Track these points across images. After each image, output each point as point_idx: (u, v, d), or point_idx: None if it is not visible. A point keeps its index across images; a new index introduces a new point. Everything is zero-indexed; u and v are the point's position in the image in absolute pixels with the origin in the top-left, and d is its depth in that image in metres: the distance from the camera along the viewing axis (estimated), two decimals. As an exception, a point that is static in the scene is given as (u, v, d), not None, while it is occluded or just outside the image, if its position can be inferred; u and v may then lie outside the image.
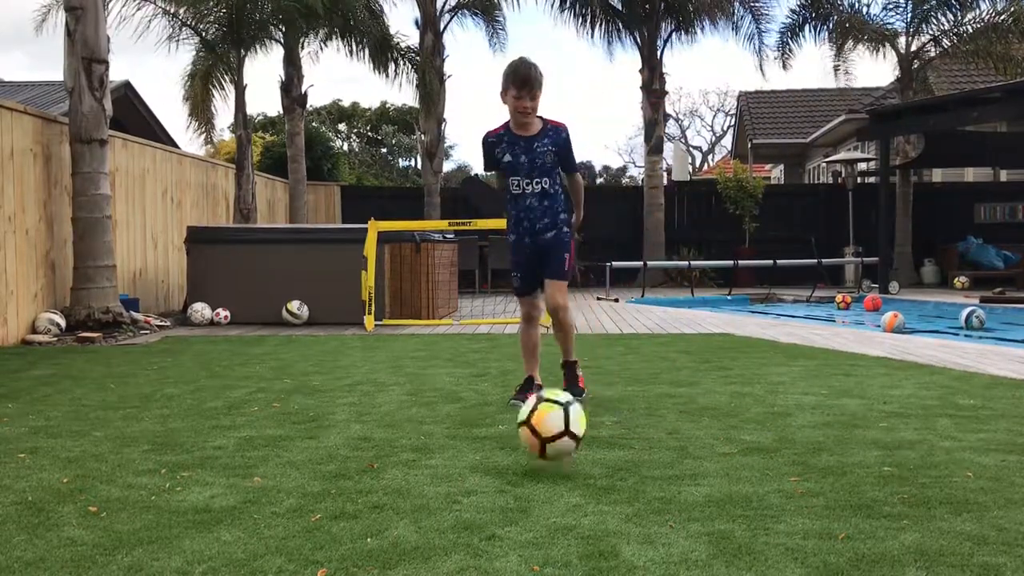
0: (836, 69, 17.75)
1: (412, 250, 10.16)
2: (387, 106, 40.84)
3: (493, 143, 4.77)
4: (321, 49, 16.64)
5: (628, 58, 70.19)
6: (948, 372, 5.87)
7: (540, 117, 4.74)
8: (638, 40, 18.25)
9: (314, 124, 29.05)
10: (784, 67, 18.35)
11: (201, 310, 9.88)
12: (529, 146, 4.67)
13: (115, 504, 3.03)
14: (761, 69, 18.46)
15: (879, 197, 15.74)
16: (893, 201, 16.72)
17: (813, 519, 2.81)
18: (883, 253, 15.44)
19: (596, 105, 74.49)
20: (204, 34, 14.21)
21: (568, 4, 18.34)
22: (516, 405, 4.11)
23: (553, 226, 4.75)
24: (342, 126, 41.58)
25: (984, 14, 16.52)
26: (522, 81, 4.58)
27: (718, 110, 52.93)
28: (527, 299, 4.89)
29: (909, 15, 16.88)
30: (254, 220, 13.79)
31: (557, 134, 4.69)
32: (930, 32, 17.00)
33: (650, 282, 16.08)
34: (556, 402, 3.46)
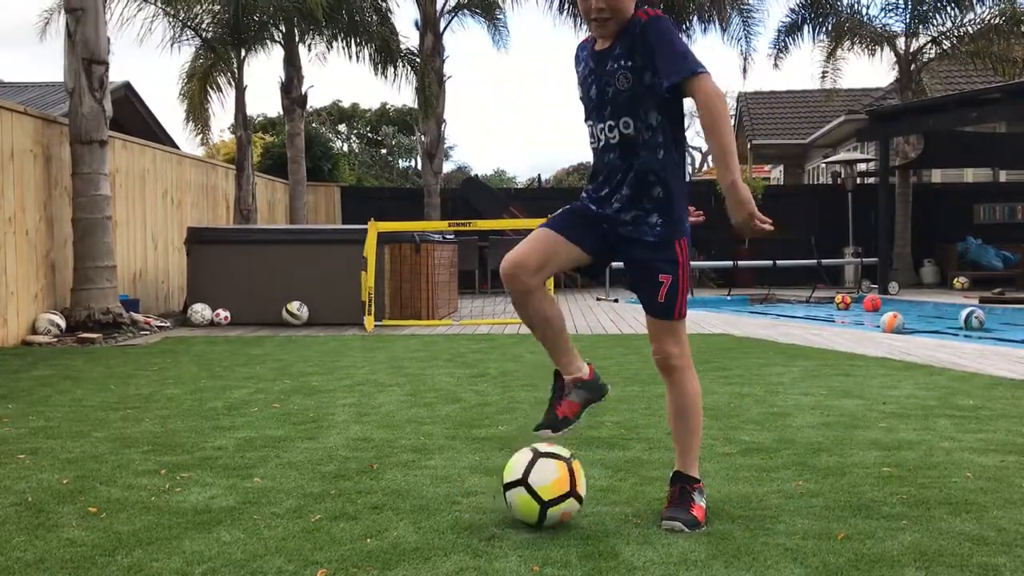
0: (824, 74, 17.78)
1: (412, 251, 10.17)
2: (387, 107, 40.83)
3: (576, 62, 2.99)
4: (328, 50, 16.64)
5: (628, 59, 70.06)
6: (947, 372, 5.87)
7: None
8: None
9: (314, 125, 29.05)
10: (776, 66, 18.40)
11: (201, 311, 9.88)
12: (601, 66, 2.79)
13: (115, 505, 3.04)
14: (744, 72, 18.54)
15: (879, 197, 15.75)
16: (892, 201, 16.72)
17: (812, 519, 2.81)
18: (882, 253, 15.44)
19: (596, 106, 74.45)
20: (205, 35, 14.22)
21: (566, 5, 18.32)
22: (546, 431, 2.94)
23: (636, 203, 2.81)
24: (342, 127, 41.56)
25: (984, 14, 16.54)
26: None
27: (718, 111, 52.84)
28: (530, 244, 2.84)
29: (908, 16, 16.89)
30: (254, 221, 13.79)
31: (631, 31, 2.70)
32: (929, 33, 17.01)
33: (650, 283, 16.05)
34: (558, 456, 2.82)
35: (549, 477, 2.72)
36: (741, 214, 2.63)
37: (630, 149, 2.77)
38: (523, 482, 2.72)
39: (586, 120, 2.91)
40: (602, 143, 2.84)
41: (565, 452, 2.86)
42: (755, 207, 2.61)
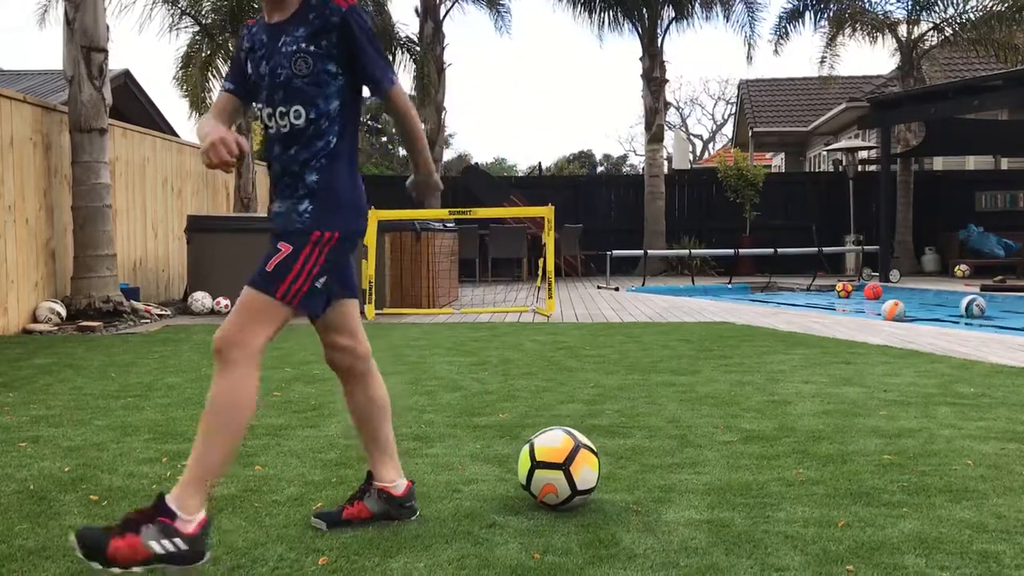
0: (823, 60, 17.75)
1: (412, 239, 10.16)
2: (387, 95, 40.71)
3: (240, 42, 2.67)
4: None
5: (629, 46, 69.95)
6: (948, 360, 5.87)
7: None
8: (638, 28, 18.19)
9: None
10: (776, 52, 18.38)
11: (202, 299, 9.88)
12: (274, 42, 2.52)
13: (116, 493, 3.04)
14: (749, 58, 18.53)
15: (880, 185, 15.72)
16: (894, 189, 16.69)
17: (813, 507, 2.82)
18: (884, 241, 15.43)
19: (597, 93, 74.36)
20: (204, 22, 14.18)
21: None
22: (318, 526, 2.66)
23: (292, 193, 2.52)
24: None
25: (986, 1, 16.46)
26: None
27: (719, 98, 52.92)
28: (319, 325, 2.73)
29: (910, 3, 16.83)
30: (254, 209, 13.78)
31: (323, 15, 2.47)
32: (931, 20, 16.95)
33: (651, 271, 16.08)
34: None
35: (550, 443, 2.87)
36: (436, 189, 2.93)
37: (298, 140, 2.49)
38: (531, 440, 2.92)
39: (255, 102, 2.61)
40: (271, 131, 2.54)
41: (587, 442, 2.91)
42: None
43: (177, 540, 2.19)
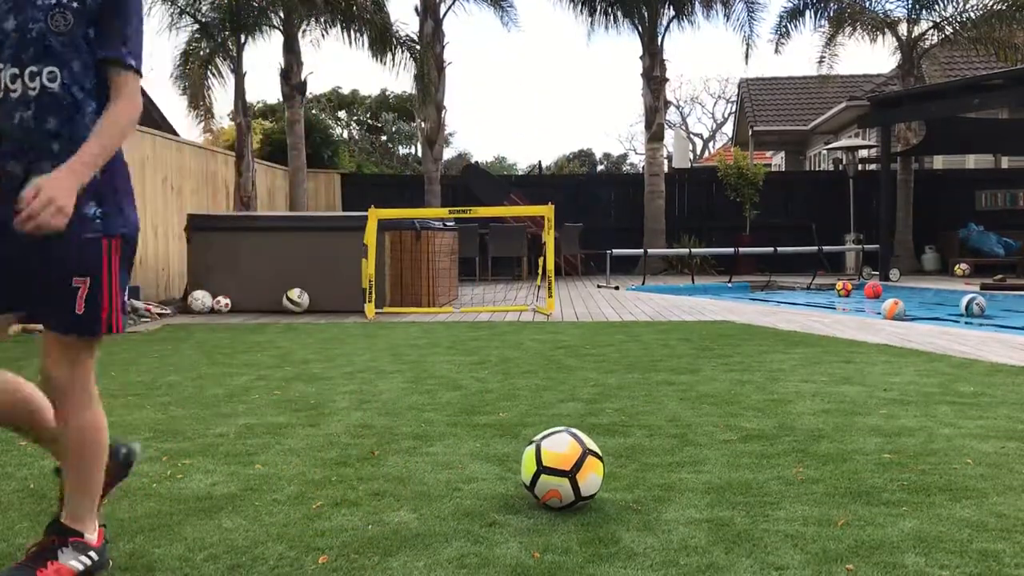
0: (822, 60, 17.77)
1: (412, 238, 10.16)
2: (387, 93, 40.70)
3: None
4: (323, 36, 16.59)
5: (629, 44, 69.93)
6: (948, 359, 5.87)
7: None
8: (638, 26, 18.20)
9: (313, 111, 28.97)
10: (777, 51, 18.40)
11: (202, 298, 9.88)
12: None
13: (116, 491, 3.04)
14: (746, 59, 18.57)
15: (880, 184, 15.73)
16: (894, 188, 16.70)
17: (813, 506, 2.82)
18: (884, 240, 15.43)
19: (597, 92, 74.33)
20: (203, 20, 14.17)
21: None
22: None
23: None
24: (342, 113, 41.46)
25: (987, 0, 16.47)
26: None
27: (719, 97, 52.88)
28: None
29: (910, 1, 16.82)
30: (254, 208, 13.78)
31: None
32: (931, 19, 16.95)
33: (650, 270, 16.08)
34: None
35: (558, 448, 2.84)
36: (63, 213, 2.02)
37: (55, 111, 2.13)
38: (537, 442, 2.89)
39: None
40: (14, 95, 2.13)
41: (593, 447, 2.90)
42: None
43: (91, 553, 2.29)
